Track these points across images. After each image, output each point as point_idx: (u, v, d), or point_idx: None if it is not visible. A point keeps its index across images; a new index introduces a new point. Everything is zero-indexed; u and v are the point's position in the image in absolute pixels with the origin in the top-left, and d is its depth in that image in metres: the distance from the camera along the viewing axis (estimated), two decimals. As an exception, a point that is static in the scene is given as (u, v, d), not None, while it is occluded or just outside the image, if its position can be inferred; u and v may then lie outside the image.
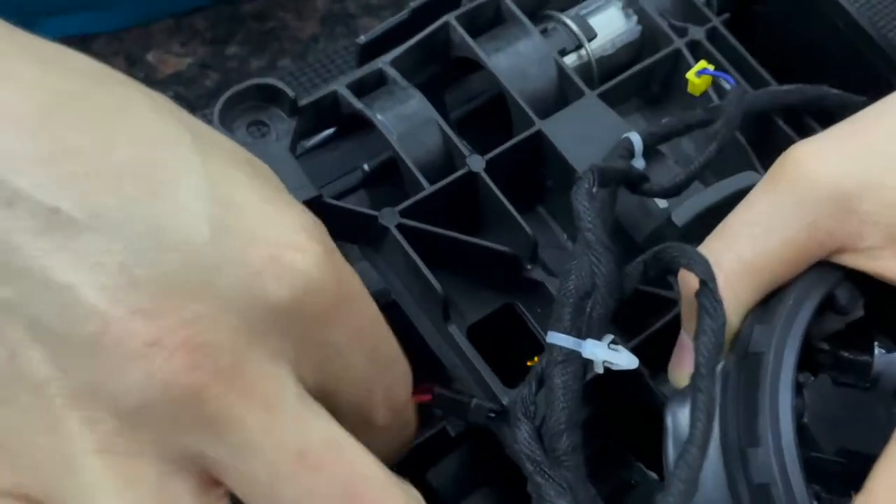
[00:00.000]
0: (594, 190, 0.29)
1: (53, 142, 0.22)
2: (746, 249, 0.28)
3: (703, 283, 0.26)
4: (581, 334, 0.28)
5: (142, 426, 0.22)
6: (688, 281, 0.28)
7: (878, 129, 0.28)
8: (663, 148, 0.37)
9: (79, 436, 0.22)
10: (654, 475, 0.34)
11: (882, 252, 0.27)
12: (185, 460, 0.22)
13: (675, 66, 0.38)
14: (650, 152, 0.35)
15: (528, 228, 0.34)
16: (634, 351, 0.33)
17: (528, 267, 0.35)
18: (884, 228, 0.27)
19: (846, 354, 0.29)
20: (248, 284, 0.22)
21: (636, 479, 0.35)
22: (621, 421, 0.34)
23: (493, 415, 0.31)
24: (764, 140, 0.38)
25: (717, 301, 0.26)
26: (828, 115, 0.37)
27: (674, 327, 0.31)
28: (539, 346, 0.35)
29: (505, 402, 0.32)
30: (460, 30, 0.37)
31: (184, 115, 0.25)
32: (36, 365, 0.22)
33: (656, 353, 0.32)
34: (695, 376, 0.25)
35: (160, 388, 0.21)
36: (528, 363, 0.36)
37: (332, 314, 0.24)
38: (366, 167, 0.38)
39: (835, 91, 0.37)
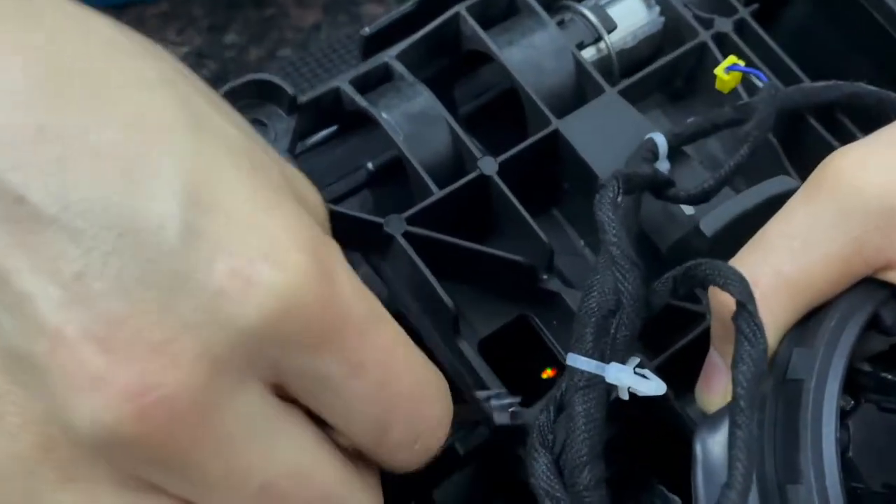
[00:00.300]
0: (619, 199, 0.27)
1: (41, 119, 0.20)
2: (785, 264, 0.26)
3: (740, 304, 0.24)
4: (604, 357, 0.26)
5: (98, 457, 0.20)
6: (721, 299, 0.26)
7: None
8: (688, 148, 0.34)
9: (37, 463, 0.20)
10: (676, 499, 0.32)
11: (934, 270, 0.25)
12: (155, 488, 0.21)
13: (701, 61, 0.36)
14: (675, 154, 0.33)
15: (543, 236, 0.32)
16: (659, 369, 0.31)
17: (544, 277, 0.32)
18: None
19: (890, 377, 0.27)
20: (210, 305, 0.20)
21: (658, 503, 0.32)
22: (643, 441, 0.32)
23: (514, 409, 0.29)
24: (795, 140, 0.35)
25: (758, 325, 0.23)
26: (862, 114, 0.35)
27: (701, 344, 0.29)
28: (555, 360, 0.33)
29: (519, 421, 0.30)
30: (471, 21, 0.34)
31: (194, 93, 0.22)
32: None
33: (682, 372, 0.30)
34: (733, 410, 0.23)
35: (105, 429, 0.19)
36: (543, 375, 0.34)
37: (318, 341, 0.21)
38: (370, 166, 0.36)
39: (872, 88, 0.34)
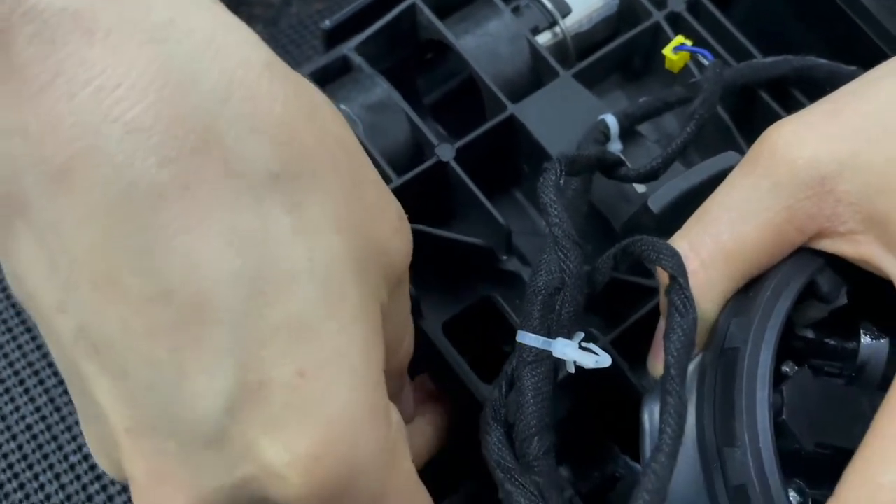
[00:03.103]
0: (562, 181, 0.28)
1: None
2: (724, 234, 0.27)
3: (672, 279, 0.25)
4: (551, 333, 0.27)
5: None
6: (665, 274, 0.27)
7: (858, 108, 0.27)
8: (645, 125, 0.35)
9: None
10: (639, 467, 0.33)
11: (861, 237, 0.26)
12: None
13: (655, 41, 0.37)
14: (628, 133, 0.34)
15: (500, 218, 0.33)
16: (614, 342, 0.32)
17: (504, 258, 0.33)
18: (862, 209, 0.26)
19: (831, 342, 0.28)
20: (237, 493, 0.22)
21: (621, 472, 0.34)
22: (604, 413, 0.33)
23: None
24: (749, 114, 0.36)
25: (688, 298, 0.24)
26: (816, 88, 0.36)
27: (656, 317, 0.30)
28: (520, 338, 0.34)
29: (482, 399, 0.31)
30: (427, 11, 0.35)
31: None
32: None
33: (638, 344, 0.31)
34: (664, 378, 0.24)
35: None
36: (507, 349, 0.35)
37: None
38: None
39: (822, 61, 0.35)
